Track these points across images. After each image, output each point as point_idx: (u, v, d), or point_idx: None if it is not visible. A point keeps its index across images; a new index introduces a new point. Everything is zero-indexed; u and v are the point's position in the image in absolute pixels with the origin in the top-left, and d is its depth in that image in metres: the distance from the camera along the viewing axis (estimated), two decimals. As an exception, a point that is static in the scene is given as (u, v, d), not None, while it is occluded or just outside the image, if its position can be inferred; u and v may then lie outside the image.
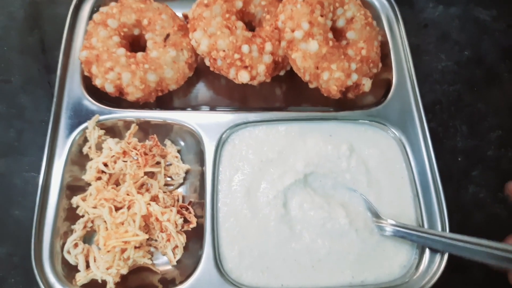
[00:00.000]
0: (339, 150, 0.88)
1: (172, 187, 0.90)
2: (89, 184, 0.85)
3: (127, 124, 0.90)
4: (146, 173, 0.86)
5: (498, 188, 0.95)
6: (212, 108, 0.98)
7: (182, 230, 0.83)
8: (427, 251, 0.81)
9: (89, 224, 0.82)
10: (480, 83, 1.06)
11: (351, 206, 0.85)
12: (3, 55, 1.03)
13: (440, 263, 0.79)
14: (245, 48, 0.88)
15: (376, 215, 0.83)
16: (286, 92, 1.02)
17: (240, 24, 0.91)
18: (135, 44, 0.96)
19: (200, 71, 0.99)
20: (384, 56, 0.99)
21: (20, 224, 0.88)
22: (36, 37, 1.06)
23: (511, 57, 1.10)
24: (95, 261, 0.78)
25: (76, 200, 0.83)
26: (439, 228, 0.83)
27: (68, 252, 0.79)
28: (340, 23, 0.94)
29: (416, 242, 0.80)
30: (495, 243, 0.69)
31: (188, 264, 0.82)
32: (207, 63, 0.93)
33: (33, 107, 0.98)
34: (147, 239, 0.81)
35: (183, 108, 0.97)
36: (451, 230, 0.82)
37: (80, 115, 0.89)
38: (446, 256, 0.79)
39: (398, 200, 0.87)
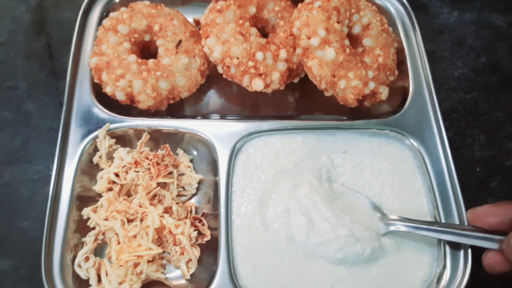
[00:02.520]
0: (351, 166, 0.87)
1: (184, 197, 0.88)
2: (100, 195, 0.83)
3: (138, 133, 0.88)
4: (158, 184, 0.84)
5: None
6: (223, 116, 0.96)
7: (196, 243, 0.81)
8: (449, 265, 0.79)
9: (100, 237, 0.80)
10: (497, 90, 1.04)
11: (356, 209, 0.83)
12: (10, 60, 1.01)
13: (462, 279, 0.77)
14: (259, 55, 0.86)
15: (382, 214, 0.82)
16: (299, 100, 1.00)
17: (254, 30, 0.89)
18: (146, 50, 0.94)
19: (210, 78, 0.97)
20: (400, 63, 0.97)
21: (27, 235, 0.85)
22: (43, 42, 1.03)
23: (527, 63, 1.08)
24: (107, 275, 0.76)
25: (87, 211, 0.80)
26: (461, 244, 0.80)
27: (79, 266, 0.77)
28: (356, 29, 0.92)
29: (425, 235, 0.78)
30: None
31: (202, 278, 0.79)
32: (220, 70, 0.90)
33: (40, 114, 0.96)
34: (160, 253, 0.79)
35: (194, 116, 0.95)
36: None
37: (90, 124, 0.87)
38: (468, 270, 0.77)
39: (414, 213, 0.84)
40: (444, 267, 0.79)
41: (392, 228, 0.79)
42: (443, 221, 0.82)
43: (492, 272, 0.73)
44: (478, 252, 0.77)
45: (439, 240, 0.81)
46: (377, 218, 0.81)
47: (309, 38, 0.84)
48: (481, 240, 0.73)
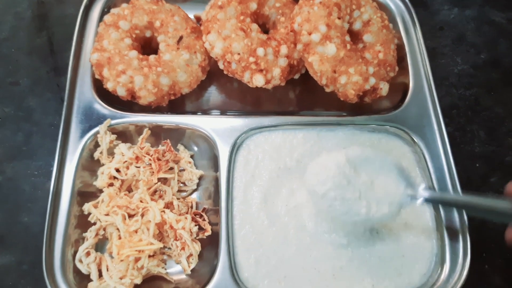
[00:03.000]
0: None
1: (185, 193, 0.88)
2: (100, 191, 0.83)
3: (139, 129, 0.88)
4: (159, 179, 0.84)
5: (518, 195, 0.93)
6: (224, 111, 0.96)
7: (197, 238, 0.81)
8: (448, 259, 0.79)
9: (101, 232, 0.80)
10: (497, 86, 1.04)
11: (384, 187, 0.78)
12: (11, 56, 1.01)
13: (461, 272, 0.77)
14: (260, 51, 0.86)
15: (408, 183, 0.75)
16: (299, 96, 1.00)
17: (255, 26, 0.89)
18: (147, 46, 0.94)
19: (211, 74, 0.97)
20: (400, 59, 0.97)
21: (29, 231, 0.85)
22: (45, 38, 1.03)
23: (528, 60, 1.08)
24: (108, 270, 0.76)
25: (87, 207, 0.81)
26: (460, 237, 0.81)
27: (80, 261, 0.77)
28: (357, 25, 0.92)
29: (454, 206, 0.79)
30: None
31: (203, 273, 0.79)
32: (221, 66, 0.90)
33: (42, 110, 0.96)
34: (161, 248, 0.79)
35: (194, 112, 0.95)
36: (470, 236, 0.80)
37: (91, 119, 0.87)
38: (467, 264, 0.77)
39: (413, 209, 0.84)
40: (443, 261, 0.79)
41: (419, 202, 0.74)
42: (442, 216, 0.82)
43: None
44: (477, 245, 0.78)
45: (438, 233, 0.81)
46: (402, 189, 0.75)
47: (310, 33, 0.84)
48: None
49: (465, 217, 0.82)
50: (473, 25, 1.12)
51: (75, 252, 0.78)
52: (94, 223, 0.80)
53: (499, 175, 0.95)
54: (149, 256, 0.77)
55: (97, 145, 0.86)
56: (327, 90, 0.89)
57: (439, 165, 0.87)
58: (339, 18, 0.85)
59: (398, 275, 0.79)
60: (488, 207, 0.69)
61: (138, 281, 0.75)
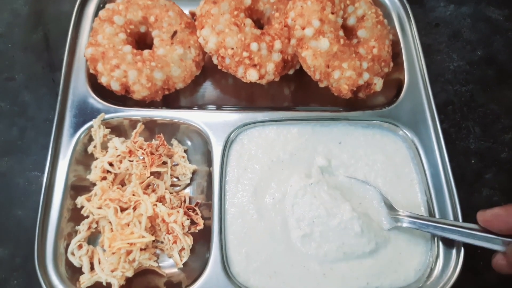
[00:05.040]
0: (347, 157, 0.88)
1: (178, 187, 0.88)
2: (94, 184, 0.83)
3: (133, 123, 0.88)
4: (152, 173, 0.84)
5: (513, 191, 0.93)
6: (219, 107, 0.96)
7: (189, 232, 0.81)
8: (441, 255, 0.79)
9: (94, 225, 0.80)
10: (492, 83, 1.04)
11: (364, 201, 0.83)
12: (7, 52, 1.02)
13: (454, 268, 0.77)
14: (254, 46, 0.86)
15: (391, 207, 0.81)
16: (294, 92, 1.00)
17: (248, 21, 0.89)
18: (141, 41, 0.95)
19: (207, 69, 0.97)
20: (395, 55, 0.97)
21: (22, 224, 0.86)
22: (40, 35, 1.04)
23: (524, 57, 1.08)
24: (99, 263, 0.76)
25: (80, 200, 0.81)
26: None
27: (72, 254, 0.77)
28: (351, 21, 0.92)
29: (433, 233, 0.78)
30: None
31: (194, 267, 0.79)
32: (215, 61, 0.90)
33: (37, 105, 0.96)
34: (153, 241, 0.79)
35: (189, 107, 0.96)
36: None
37: (85, 114, 0.87)
38: (461, 261, 0.77)
39: (407, 204, 0.84)
40: (437, 256, 0.79)
41: (398, 224, 0.79)
42: (436, 211, 0.82)
43: (501, 272, 0.71)
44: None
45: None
46: (384, 212, 0.81)
47: (303, 28, 0.84)
48: (487, 242, 0.70)
49: (459, 215, 0.81)
50: (469, 21, 1.11)
51: (68, 245, 0.78)
52: (87, 217, 0.81)
53: (494, 172, 0.95)
54: (141, 249, 0.77)
55: (91, 139, 0.86)
56: (321, 85, 0.89)
57: (433, 161, 0.87)
58: (332, 13, 0.85)
59: (394, 272, 0.79)
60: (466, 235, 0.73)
61: (130, 274, 0.75)
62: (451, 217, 0.82)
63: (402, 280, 0.78)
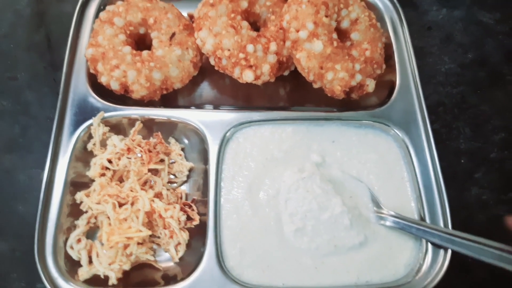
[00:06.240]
0: (340, 156, 0.90)
1: (175, 184, 0.90)
2: (93, 181, 0.86)
3: (132, 122, 0.91)
4: (150, 170, 0.86)
5: (502, 190, 0.95)
6: (216, 107, 0.99)
7: (185, 227, 0.84)
8: (430, 251, 0.81)
9: (93, 220, 0.82)
10: (483, 85, 1.06)
11: (355, 198, 0.86)
12: (10, 52, 1.04)
13: (442, 263, 0.79)
14: (250, 48, 0.89)
15: (378, 206, 0.84)
16: (289, 92, 1.02)
17: (245, 23, 0.92)
18: (141, 42, 0.97)
19: (204, 70, 1.00)
20: (388, 57, 0.99)
21: (23, 219, 0.88)
22: (42, 35, 1.07)
23: (514, 60, 1.11)
24: (97, 256, 0.79)
25: (80, 196, 0.83)
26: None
27: (71, 247, 0.80)
28: (345, 24, 0.94)
29: (416, 235, 0.81)
30: (495, 242, 0.70)
31: (190, 261, 0.82)
32: (212, 62, 0.93)
33: (38, 104, 0.99)
34: (150, 236, 0.81)
35: (187, 107, 0.98)
36: (453, 228, 0.82)
37: (85, 112, 0.90)
38: (448, 256, 0.79)
39: (399, 201, 0.87)
40: (426, 252, 0.81)
41: (382, 222, 0.83)
42: (426, 208, 0.85)
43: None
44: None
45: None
46: (371, 208, 0.84)
47: (297, 31, 0.86)
48: (463, 248, 0.74)
49: (448, 212, 0.83)
50: (461, 25, 1.14)
51: (67, 239, 0.81)
52: (86, 212, 0.83)
53: (483, 171, 0.97)
54: (138, 244, 0.79)
55: (90, 137, 0.89)
56: (315, 86, 0.92)
57: (423, 160, 0.89)
58: (326, 16, 0.88)
59: (384, 267, 0.81)
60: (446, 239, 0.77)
61: (127, 267, 0.78)
62: (440, 215, 0.84)
63: (392, 275, 0.80)
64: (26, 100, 0.99)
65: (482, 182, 0.96)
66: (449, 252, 0.79)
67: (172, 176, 0.91)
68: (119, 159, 0.86)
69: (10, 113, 0.98)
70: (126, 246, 0.77)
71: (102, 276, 0.78)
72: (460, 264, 0.80)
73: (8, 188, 0.91)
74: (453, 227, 0.82)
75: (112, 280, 0.76)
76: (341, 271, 0.80)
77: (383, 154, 0.91)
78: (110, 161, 0.86)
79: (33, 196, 0.89)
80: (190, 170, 0.91)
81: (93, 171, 0.85)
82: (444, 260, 0.80)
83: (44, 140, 0.93)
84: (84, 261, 0.78)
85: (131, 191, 0.82)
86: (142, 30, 0.95)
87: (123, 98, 0.92)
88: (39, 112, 0.98)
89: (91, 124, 0.88)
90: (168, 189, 0.87)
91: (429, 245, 0.81)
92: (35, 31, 1.07)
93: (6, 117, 0.97)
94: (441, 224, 0.84)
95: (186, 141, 0.94)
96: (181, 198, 0.87)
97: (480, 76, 1.08)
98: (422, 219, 0.85)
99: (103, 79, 0.89)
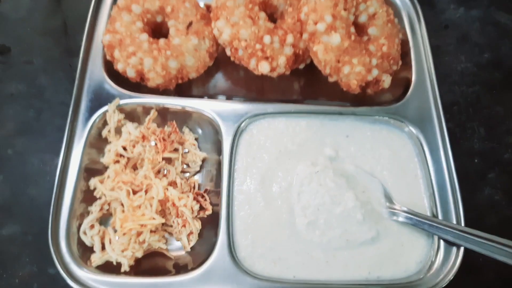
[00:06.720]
0: (354, 150, 0.90)
1: (188, 174, 0.90)
2: (107, 168, 0.86)
3: (147, 110, 0.91)
4: (163, 159, 0.86)
5: (514, 191, 0.95)
6: (229, 98, 0.99)
7: (198, 216, 0.84)
8: (442, 248, 0.81)
9: (106, 207, 0.83)
10: (499, 86, 1.06)
11: (368, 193, 0.86)
12: (26, 36, 1.04)
13: (455, 261, 0.79)
14: (267, 39, 0.89)
15: (390, 201, 0.84)
16: (303, 86, 1.02)
17: (262, 15, 0.92)
18: (157, 31, 0.97)
19: (219, 61, 0.99)
20: (404, 54, 0.99)
21: (35, 203, 0.88)
22: (59, 20, 1.07)
23: (530, 61, 1.10)
24: (110, 243, 0.79)
25: (94, 182, 0.83)
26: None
27: (84, 233, 0.80)
28: (362, 18, 0.94)
29: (428, 231, 0.81)
30: (508, 241, 0.71)
31: (201, 251, 0.82)
32: (228, 53, 0.93)
33: (53, 89, 0.99)
34: (162, 224, 0.82)
35: (201, 96, 0.98)
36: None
37: (100, 98, 0.90)
38: (461, 254, 0.79)
39: (411, 198, 0.87)
40: (438, 250, 0.81)
41: (394, 218, 0.83)
42: (438, 207, 0.84)
43: None
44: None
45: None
46: (384, 204, 0.84)
47: (315, 23, 0.86)
48: (477, 246, 0.74)
49: (461, 211, 0.83)
50: (478, 25, 1.13)
51: (80, 225, 0.81)
52: (100, 198, 0.83)
53: (496, 172, 0.97)
54: (151, 231, 0.79)
55: (105, 123, 0.89)
56: (331, 80, 0.91)
57: (437, 158, 0.89)
58: (345, 10, 0.87)
59: (395, 263, 0.81)
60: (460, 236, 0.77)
61: (139, 254, 0.78)
62: (453, 213, 0.84)
63: (403, 271, 0.80)
64: (41, 84, 1.00)
65: (495, 182, 0.95)
66: (462, 249, 0.79)
67: (185, 166, 0.91)
68: (133, 146, 0.86)
69: (25, 97, 0.98)
70: (139, 234, 0.77)
71: (114, 263, 0.78)
72: (469, 264, 0.79)
73: (21, 171, 0.92)
74: (465, 225, 0.82)
75: (125, 267, 0.77)
76: (352, 265, 0.80)
77: (397, 150, 0.91)
78: (124, 148, 0.86)
79: (45, 181, 0.90)
80: (203, 160, 0.91)
81: (107, 158, 0.85)
82: (456, 258, 0.80)
83: (57, 124, 0.94)
84: (97, 247, 0.79)
85: (145, 178, 0.82)
86: (159, 18, 0.95)
87: (138, 85, 0.92)
88: (54, 97, 0.98)
89: (106, 111, 0.88)
90: (181, 178, 0.87)
91: (442, 242, 0.81)
92: (52, 17, 1.07)
93: (20, 101, 0.98)
94: (454, 222, 0.83)
95: (200, 131, 0.94)
96: (194, 188, 0.87)
97: (495, 77, 1.07)
98: (435, 216, 0.84)
99: (119, 66, 0.89)
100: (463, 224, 0.82)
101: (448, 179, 0.87)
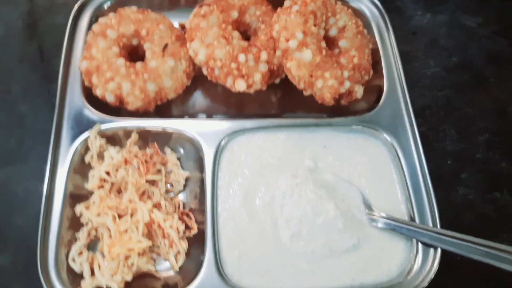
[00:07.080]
0: (332, 160, 0.93)
1: (172, 194, 0.92)
2: (92, 193, 0.87)
3: (128, 133, 0.92)
4: (147, 181, 0.88)
5: (487, 190, 0.99)
6: (209, 115, 1.01)
7: (184, 236, 0.86)
8: (420, 250, 0.84)
9: (93, 232, 0.84)
10: (467, 88, 1.10)
11: (347, 201, 0.88)
12: (3, 64, 1.05)
13: (433, 262, 0.82)
14: (241, 58, 0.91)
15: (369, 208, 0.87)
16: (281, 99, 1.05)
17: (236, 34, 0.94)
18: (134, 54, 0.98)
19: (197, 79, 1.01)
20: (375, 63, 1.02)
21: (22, 232, 0.89)
22: (35, 46, 1.07)
23: (497, 62, 1.14)
24: (99, 268, 0.80)
25: (80, 208, 0.84)
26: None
27: (73, 260, 0.81)
28: (333, 32, 0.97)
29: (406, 235, 0.84)
30: (482, 240, 0.74)
31: (190, 269, 0.84)
32: (205, 72, 0.95)
33: (33, 116, 1.00)
34: (150, 246, 0.83)
35: (181, 116, 1.00)
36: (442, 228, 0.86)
37: (81, 124, 0.91)
38: (438, 255, 0.82)
39: (389, 203, 0.90)
40: (417, 252, 0.84)
41: (374, 224, 0.86)
42: (415, 209, 0.88)
43: None
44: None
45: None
46: (363, 211, 0.87)
47: (287, 40, 0.89)
48: (450, 245, 0.78)
49: (436, 211, 0.87)
50: (445, 29, 1.18)
51: (68, 252, 0.82)
52: (86, 224, 0.84)
53: (469, 171, 1.01)
54: (139, 254, 0.81)
55: (87, 149, 0.90)
56: (306, 93, 0.94)
57: (411, 162, 0.92)
58: (315, 25, 0.90)
59: (377, 268, 0.84)
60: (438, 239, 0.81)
61: (129, 278, 0.79)
62: (429, 214, 0.87)
63: (385, 275, 0.83)
64: (20, 112, 1.00)
65: (468, 182, 0.99)
66: (439, 250, 0.83)
67: (169, 186, 0.93)
68: (116, 170, 0.87)
69: (6, 126, 0.98)
70: (127, 257, 0.79)
71: (104, 287, 0.79)
72: (449, 263, 0.83)
73: (6, 201, 0.92)
74: (442, 226, 0.86)
75: (115, 291, 0.78)
76: (336, 273, 0.82)
77: (373, 157, 0.94)
78: (108, 173, 0.87)
79: (31, 209, 0.90)
80: (187, 179, 0.93)
81: (91, 184, 0.87)
82: (434, 259, 0.83)
83: (40, 152, 0.95)
84: (86, 273, 0.80)
85: (130, 202, 0.84)
86: (135, 42, 0.97)
87: (118, 109, 0.94)
88: (35, 124, 0.99)
89: (88, 137, 0.89)
90: (165, 199, 0.88)
91: (420, 245, 0.84)
92: (27, 43, 1.07)
93: (1, 130, 0.98)
94: (430, 224, 0.87)
95: (182, 150, 0.96)
96: (178, 207, 0.89)
97: (464, 79, 1.11)
98: (412, 219, 0.88)
99: (98, 92, 0.91)
100: (438, 225, 0.86)
101: (423, 183, 0.90)
